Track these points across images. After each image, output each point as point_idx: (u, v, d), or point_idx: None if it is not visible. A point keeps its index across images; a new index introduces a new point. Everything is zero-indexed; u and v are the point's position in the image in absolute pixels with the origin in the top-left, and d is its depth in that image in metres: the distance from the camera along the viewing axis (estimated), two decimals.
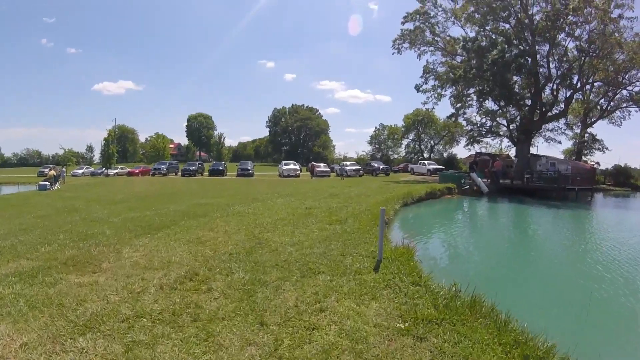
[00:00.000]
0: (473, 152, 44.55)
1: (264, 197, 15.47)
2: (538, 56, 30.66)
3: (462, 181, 24.73)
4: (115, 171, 44.95)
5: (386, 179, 31.92)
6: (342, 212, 11.32)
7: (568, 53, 30.27)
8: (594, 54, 28.35)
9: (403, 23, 34.47)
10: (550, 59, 31.29)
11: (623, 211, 22.38)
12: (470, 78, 30.21)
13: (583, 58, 29.65)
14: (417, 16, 34.36)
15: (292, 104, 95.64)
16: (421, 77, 35.94)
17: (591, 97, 37.33)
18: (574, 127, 40.10)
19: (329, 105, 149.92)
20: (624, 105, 35.11)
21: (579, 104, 37.30)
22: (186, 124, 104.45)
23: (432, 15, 33.79)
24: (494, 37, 31.05)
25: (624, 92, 33.59)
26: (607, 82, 33.10)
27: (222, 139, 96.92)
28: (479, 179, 25.33)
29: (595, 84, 35.05)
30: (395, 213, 14.04)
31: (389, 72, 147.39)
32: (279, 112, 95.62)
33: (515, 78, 33.03)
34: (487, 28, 32.01)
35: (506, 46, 29.27)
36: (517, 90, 33.78)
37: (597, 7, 25.95)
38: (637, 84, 31.85)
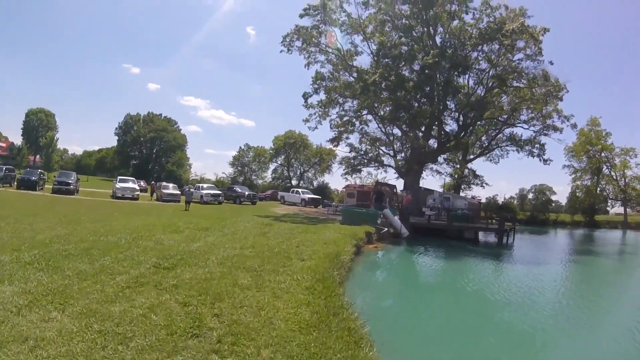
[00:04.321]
0: (351, 182, 38.33)
1: None
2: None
3: (378, 221, 16.97)
4: None
5: (257, 211, 23.34)
6: None
7: (483, 82, 28.42)
8: (505, 86, 26.85)
9: (301, 17, 28.73)
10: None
11: None
12: (385, 88, 24.41)
13: (486, 87, 28.10)
14: (318, 12, 28.33)
15: (149, 112, 78.36)
16: (312, 84, 30.70)
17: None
18: (455, 160, 39.41)
19: (191, 122, 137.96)
20: (503, 144, 35.33)
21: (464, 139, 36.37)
22: (24, 119, 79.73)
23: (334, 18, 28.84)
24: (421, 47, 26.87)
25: (506, 131, 33.70)
26: (492, 120, 33.01)
27: (54, 141, 74.61)
28: (396, 217, 18.18)
29: (478, 122, 34.56)
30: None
31: (257, 97, 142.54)
32: (131, 118, 76.84)
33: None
34: (393, 39, 27.50)
35: (437, 53, 24.68)
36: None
37: (532, 34, 24.14)
38: (529, 124, 32.14)
